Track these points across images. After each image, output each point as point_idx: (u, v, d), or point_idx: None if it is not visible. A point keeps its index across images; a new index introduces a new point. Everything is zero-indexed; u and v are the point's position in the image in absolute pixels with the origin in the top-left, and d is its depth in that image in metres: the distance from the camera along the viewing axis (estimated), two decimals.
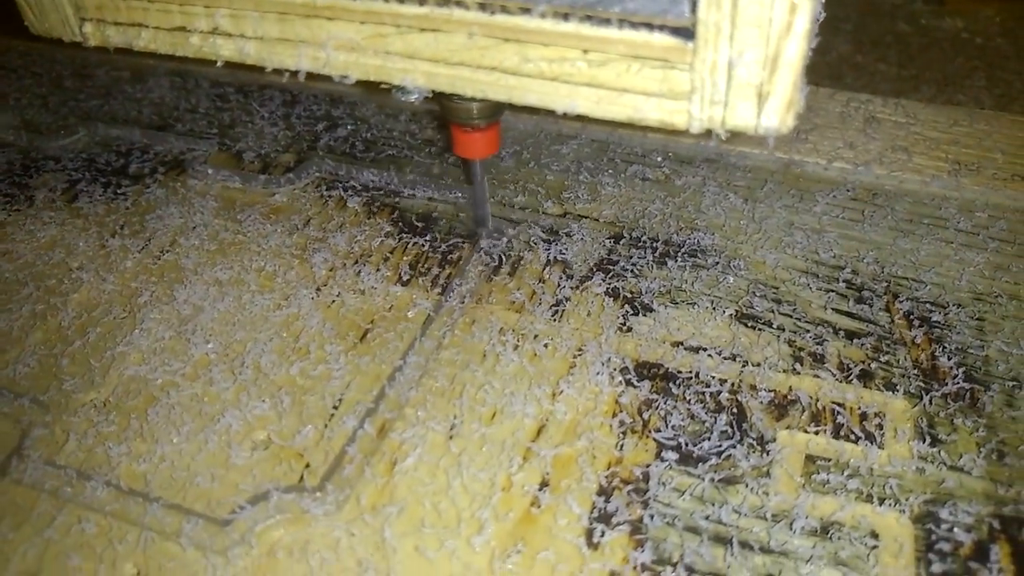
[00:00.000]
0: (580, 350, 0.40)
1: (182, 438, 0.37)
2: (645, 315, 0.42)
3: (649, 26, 0.29)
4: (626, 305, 0.42)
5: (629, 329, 0.41)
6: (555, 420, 0.37)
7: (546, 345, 0.40)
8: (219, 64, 0.37)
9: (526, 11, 0.30)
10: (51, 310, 0.43)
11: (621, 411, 0.37)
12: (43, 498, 0.35)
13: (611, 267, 0.45)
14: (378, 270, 0.45)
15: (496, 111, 0.42)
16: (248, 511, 0.33)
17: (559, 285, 0.44)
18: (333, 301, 0.43)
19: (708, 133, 0.31)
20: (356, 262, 0.46)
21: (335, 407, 0.38)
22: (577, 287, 0.44)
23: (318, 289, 0.44)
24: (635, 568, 0.31)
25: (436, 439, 0.36)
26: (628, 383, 0.38)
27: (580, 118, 0.33)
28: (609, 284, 0.44)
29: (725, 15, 0.27)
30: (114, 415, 0.38)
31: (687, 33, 0.28)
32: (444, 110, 0.42)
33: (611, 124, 0.45)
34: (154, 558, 0.32)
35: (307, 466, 0.35)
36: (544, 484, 0.34)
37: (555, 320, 0.42)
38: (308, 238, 0.47)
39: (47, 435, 0.37)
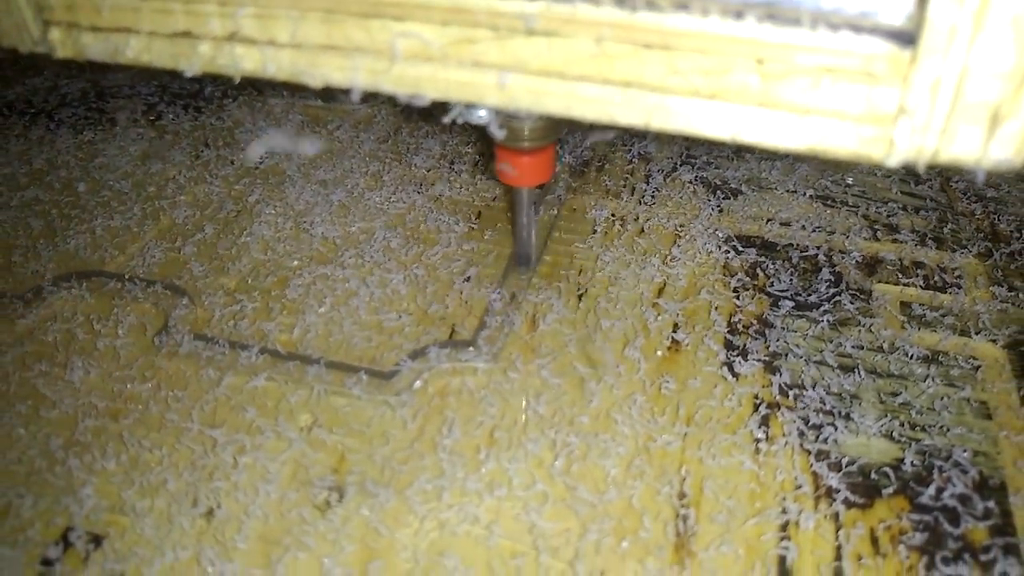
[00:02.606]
0: (682, 226, 0.43)
1: (328, 308, 0.38)
2: (735, 198, 0.45)
3: (854, 28, 0.22)
4: (716, 190, 0.46)
5: (722, 210, 0.45)
6: (673, 281, 0.40)
7: (649, 223, 0.43)
8: (236, 80, 0.29)
9: (682, 7, 0.23)
10: (162, 210, 0.45)
11: (733, 272, 0.40)
12: (203, 364, 0.36)
13: (694, 160, 0.48)
14: (475, 167, 0.47)
15: (552, 131, 0.34)
16: (410, 364, 0.36)
17: (649, 175, 0.47)
18: (440, 194, 0.45)
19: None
20: (453, 162, 0.48)
21: (467, 279, 0.40)
22: (666, 177, 0.47)
23: (422, 185, 0.46)
24: (781, 390, 0.35)
25: (568, 300, 0.39)
26: (734, 250, 0.42)
27: None
28: (696, 174, 0.47)
29: (967, 12, 0.20)
30: (254, 293, 0.39)
31: (905, 37, 0.21)
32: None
33: None
34: (327, 407, 0.34)
35: (453, 327, 0.38)
36: (678, 329, 0.37)
37: (652, 204, 0.45)
38: (401, 143, 0.49)
39: (189, 314, 0.39)
